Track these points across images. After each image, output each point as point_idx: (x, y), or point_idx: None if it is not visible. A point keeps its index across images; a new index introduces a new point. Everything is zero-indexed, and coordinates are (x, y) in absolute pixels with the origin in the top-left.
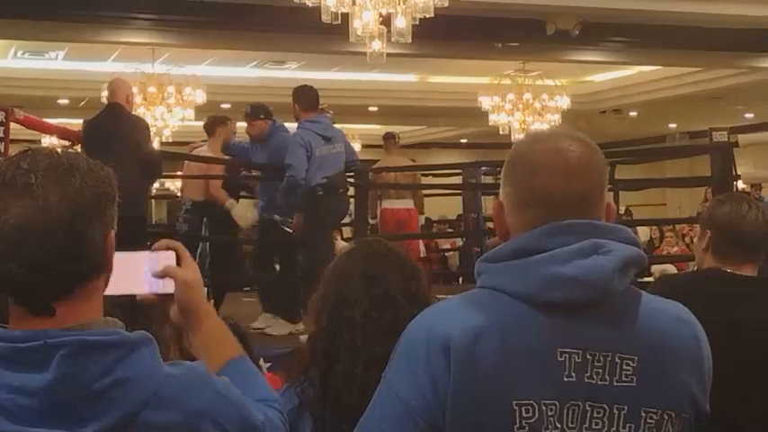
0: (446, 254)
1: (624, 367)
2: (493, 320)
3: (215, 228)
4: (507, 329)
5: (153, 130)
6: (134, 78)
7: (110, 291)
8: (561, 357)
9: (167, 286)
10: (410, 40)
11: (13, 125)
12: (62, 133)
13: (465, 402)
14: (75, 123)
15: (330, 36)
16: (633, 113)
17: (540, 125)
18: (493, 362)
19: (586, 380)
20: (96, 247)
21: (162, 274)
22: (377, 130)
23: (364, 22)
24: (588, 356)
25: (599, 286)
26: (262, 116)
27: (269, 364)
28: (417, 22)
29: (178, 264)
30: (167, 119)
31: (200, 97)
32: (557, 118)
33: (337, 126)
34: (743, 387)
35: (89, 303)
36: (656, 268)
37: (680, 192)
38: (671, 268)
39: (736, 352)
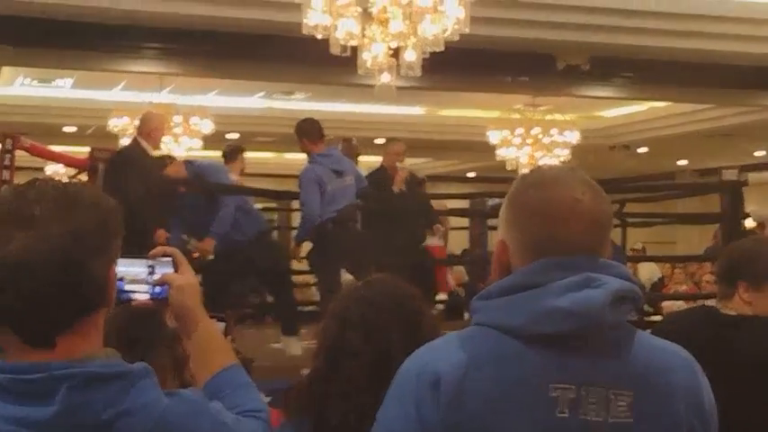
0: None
1: (619, 403)
2: (483, 355)
3: None
4: (498, 364)
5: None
6: (141, 108)
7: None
8: (554, 393)
9: (163, 292)
10: (419, 74)
11: (19, 152)
12: (68, 161)
13: None
14: (82, 151)
15: (338, 68)
16: (643, 149)
17: (549, 160)
18: (482, 397)
19: (580, 416)
20: (98, 280)
21: (159, 281)
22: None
23: (374, 54)
24: (582, 392)
25: (589, 318)
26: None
27: (269, 398)
28: (428, 56)
29: (175, 270)
30: (174, 149)
31: (208, 127)
32: (566, 153)
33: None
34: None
35: (89, 336)
36: (667, 305)
37: (690, 229)
38: (682, 305)
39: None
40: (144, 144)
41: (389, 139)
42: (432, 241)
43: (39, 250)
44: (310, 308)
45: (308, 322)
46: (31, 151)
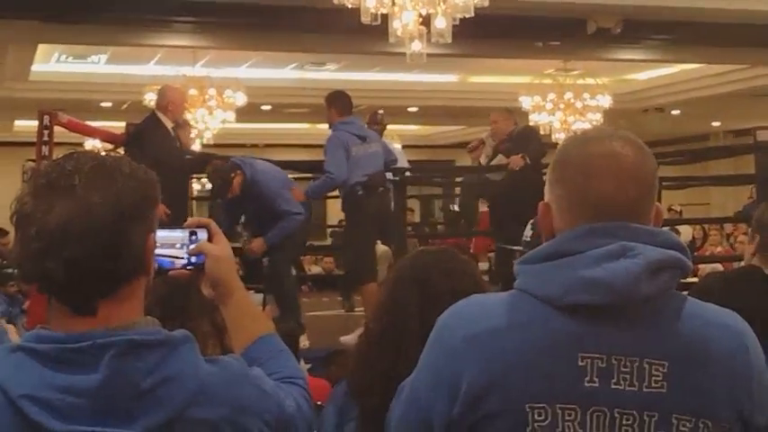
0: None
1: (654, 373)
2: (515, 321)
3: None
4: (528, 331)
5: (194, 132)
6: (175, 81)
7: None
8: (582, 362)
9: (199, 261)
10: (450, 41)
11: (57, 128)
12: (105, 136)
13: (481, 399)
14: (118, 126)
15: (370, 37)
16: (676, 112)
17: (582, 124)
18: (511, 362)
19: (613, 386)
20: (137, 248)
21: (195, 251)
22: (417, 130)
23: (404, 22)
24: (614, 362)
25: (623, 290)
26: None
27: (309, 366)
28: (457, 23)
29: (210, 240)
30: (208, 121)
31: (241, 99)
32: (598, 117)
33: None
34: None
35: (130, 304)
36: (703, 268)
37: (724, 190)
38: (719, 268)
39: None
40: (162, 117)
41: None
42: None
43: (79, 218)
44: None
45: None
46: (69, 127)
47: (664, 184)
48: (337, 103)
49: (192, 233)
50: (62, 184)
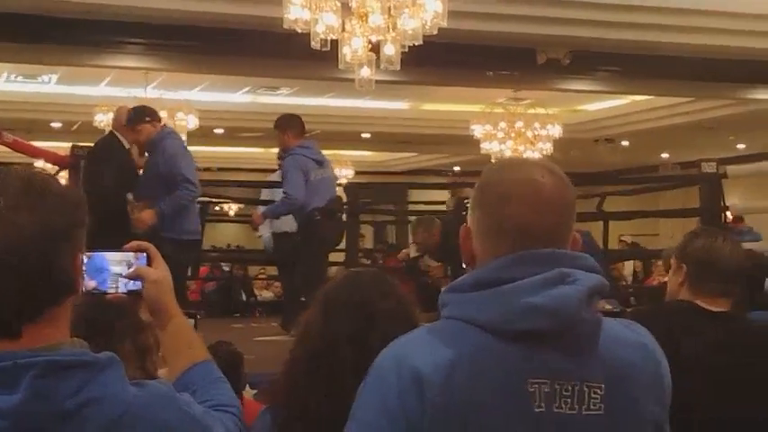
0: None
1: (592, 395)
2: (463, 353)
3: None
4: (477, 362)
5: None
6: (126, 102)
7: (83, 288)
8: (531, 388)
9: (137, 285)
10: (399, 68)
11: (2, 148)
12: (51, 158)
13: None
14: (67, 147)
15: (321, 62)
16: (626, 143)
17: (533, 153)
18: (464, 395)
19: (555, 409)
20: (64, 270)
21: (133, 274)
22: (370, 156)
23: (353, 48)
24: (556, 386)
25: (567, 316)
26: (148, 119)
27: (254, 392)
28: (407, 50)
29: (149, 264)
30: None
31: (193, 122)
32: (549, 146)
33: (328, 152)
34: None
35: (56, 325)
36: None
37: (673, 221)
38: None
39: (694, 384)
40: (120, 137)
41: None
42: None
43: (4, 239)
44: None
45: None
46: (14, 147)
47: (613, 214)
48: (292, 126)
49: (132, 256)
50: None
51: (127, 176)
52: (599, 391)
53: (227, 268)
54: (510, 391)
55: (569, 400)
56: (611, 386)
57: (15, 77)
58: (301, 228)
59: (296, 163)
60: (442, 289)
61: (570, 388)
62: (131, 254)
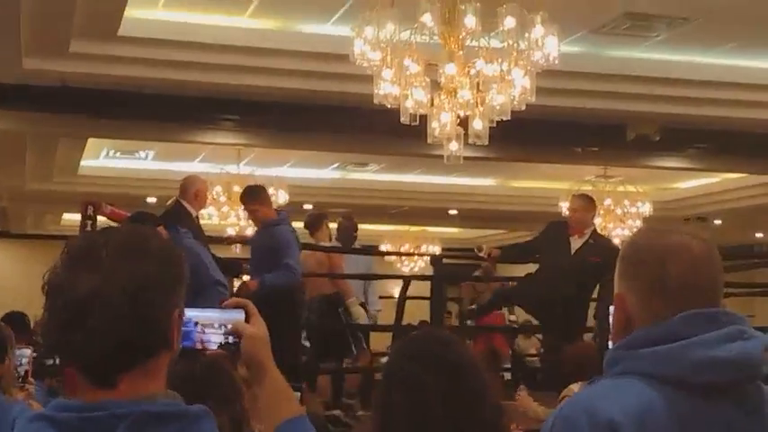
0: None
1: None
2: (653, 403)
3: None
4: (666, 412)
5: (236, 228)
6: (219, 178)
7: (180, 343)
8: None
9: (235, 341)
10: (487, 143)
11: (100, 219)
12: None
13: None
14: None
15: (409, 139)
16: (718, 221)
17: (622, 231)
18: None
19: None
20: (161, 323)
21: (232, 330)
22: (457, 233)
23: (442, 123)
24: None
25: (750, 369)
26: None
27: None
28: (495, 125)
29: (247, 321)
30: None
31: (283, 198)
32: (638, 224)
33: (415, 228)
34: None
35: (152, 378)
36: None
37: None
38: None
39: None
40: (188, 206)
41: None
42: None
43: (103, 291)
44: None
45: None
46: (112, 217)
47: None
48: (265, 198)
49: (231, 313)
50: (91, 256)
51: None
52: None
53: None
54: None
55: None
56: None
57: (114, 154)
58: (282, 303)
59: (291, 236)
60: (610, 347)
61: None
62: (230, 310)
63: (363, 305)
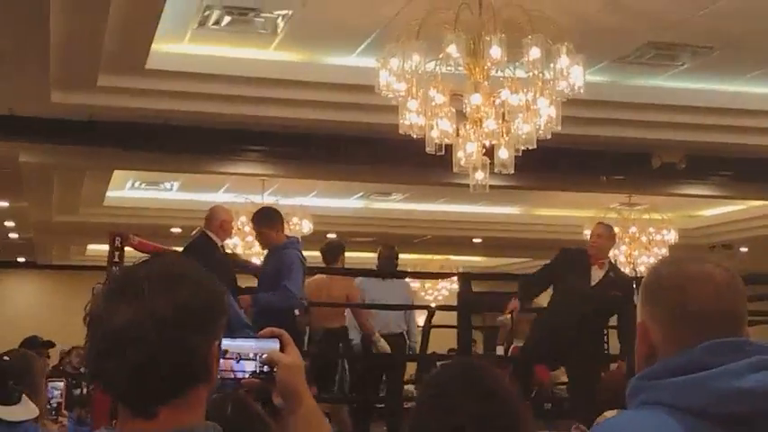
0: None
1: None
2: None
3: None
4: None
5: (261, 258)
6: (244, 208)
7: (219, 375)
8: None
9: (270, 370)
10: (513, 172)
11: (128, 250)
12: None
13: None
14: None
15: (433, 168)
16: (744, 249)
17: (647, 259)
18: None
19: None
20: (199, 356)
21: (267, 360)
22: (482, 262)
23: (468, 153)
24: None
25: None
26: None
27: None
28: (520, 154)
29: (282, 350)
30: None
31: (307, 227)
32: (664, 252)
33: (439, 257)
34: None
35: (191, 410)
36: None
37: None
38: None
39: None
40: (213, 237)
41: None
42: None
43: (142, 322)
44: None
45: None
46: (139, 248)
47: None
48: (278, 221)
49: (266, 343)
50: (131, 288)
51: (223, 270)
52: None
53: None
54: None
55: None
56: None
57: (139, 185)
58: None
59: (297, 260)
60: (633, 378)
61: None
62: (265, 339)
63: (404, 335)
